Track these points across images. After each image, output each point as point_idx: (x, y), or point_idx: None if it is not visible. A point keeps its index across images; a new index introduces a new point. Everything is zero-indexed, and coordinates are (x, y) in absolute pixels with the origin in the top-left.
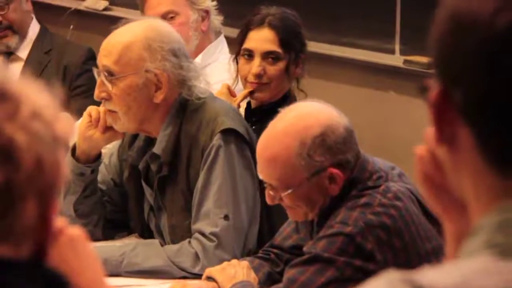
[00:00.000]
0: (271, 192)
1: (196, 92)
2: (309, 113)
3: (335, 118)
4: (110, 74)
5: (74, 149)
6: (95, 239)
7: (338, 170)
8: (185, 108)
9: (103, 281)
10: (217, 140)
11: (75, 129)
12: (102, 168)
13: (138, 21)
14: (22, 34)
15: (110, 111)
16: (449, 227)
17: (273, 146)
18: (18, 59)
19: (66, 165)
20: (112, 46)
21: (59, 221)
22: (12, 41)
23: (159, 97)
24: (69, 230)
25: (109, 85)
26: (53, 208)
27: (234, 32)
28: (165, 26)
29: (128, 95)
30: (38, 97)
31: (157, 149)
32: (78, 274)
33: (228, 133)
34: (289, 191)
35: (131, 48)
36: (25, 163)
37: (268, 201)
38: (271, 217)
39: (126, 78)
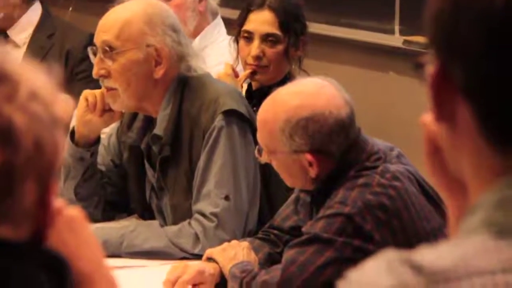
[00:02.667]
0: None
1: (195, 68)
2: (311, 94)
3: (332, 108)
4: (110, 49)
5: (72, 134)
6: (95, 220)
7: (317, 157)
8: (184, 85)
9: (102, 262)
10: (219, 121)
11: (74, 113)
12: (101, 149)
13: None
14: (13, 17)
15: (109, 89)
16: (452, 204)
17: (267, 111)
18: (13, 43)
19: (65, 147)
20: (112, 22)
21: (58, 202)
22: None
23: (159, 72)
24: (67, 211)
25: (109, 61)
26: (52, 189)
27: (230, 13)
28: (162, 4)
29: (128, 70)
30: (36, 78)
31: (158, 129)
32: (77, 255)
33: (230, 114)
34: (272, 156)
35: (132, 23)
36: (24, 144)
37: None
38: (271, 198)
39: (127, 52)
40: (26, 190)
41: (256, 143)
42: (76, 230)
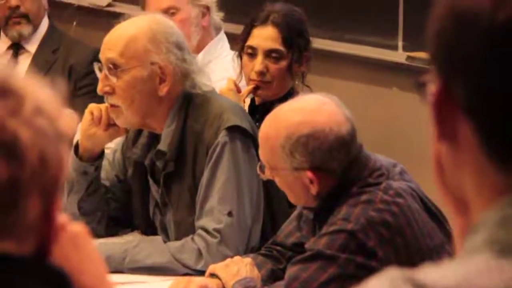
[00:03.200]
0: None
1: (199, 86)
2: (311, 111)
3: (333, 125)
4: (115, 66)
5: (76, 147)
6: (98, 236)
7: (318, 174)
8: (189, 102)
9: (105, 278)
10: (222, 137)
11: (78, 127)
12: (106, 164)
13: (140, 16)
14: (35, 25)
15: (113, 106)
16: (457, 221)
17: (268, 127)
18: (26, 53)
19: (69, 161)
20: (116, 39)
21: (62, 218)
22: (25, 29)
23: (163, 90)
24: (71, 227)
25: (113, 78)
26: (56, 204)
27: (234, 28)
28: (167, 21)
29: (132, 88)
30: (41, 93)
31: (162, 145)
32: (81, 271)
33: (233, 130)
34: (273, 173)
35: (136, 40)
36: (29, 159)
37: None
38: (273, 214)
39: (131, 70)
40: (30, 205)
41: (259, 159)
42: (80, 245)
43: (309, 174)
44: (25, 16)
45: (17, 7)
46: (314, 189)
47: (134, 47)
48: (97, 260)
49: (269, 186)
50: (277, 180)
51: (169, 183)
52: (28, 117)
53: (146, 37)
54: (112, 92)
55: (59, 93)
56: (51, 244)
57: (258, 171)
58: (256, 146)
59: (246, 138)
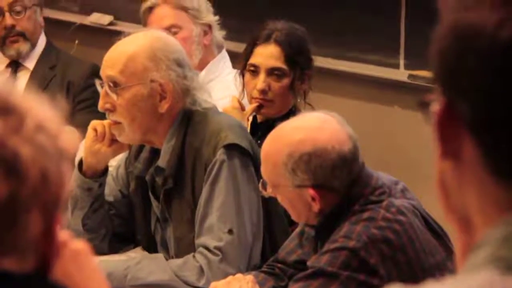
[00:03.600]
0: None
1: (200, 102)
2: (314, 129)
3: (335, 143)
4: (115, 84)
5: (80, 164)
6: (101, 253)
7: (320, 192)
8: (189, 119)
9: None
10: (220, 154)
11: (81, 144)
12: (109, 180)
13: (141, 32)
14: (32, 43)
15: (115, 122)
16: (460, 239)
17: (270, 145)
18: (25, 69)
19: (71, 178)
20: (116, 57)
21: (64, 235)
22: (23, 47)
23: (164, 107)
24: (73, 244)
25: (114, 96)
26: (57, 221)
27: (236, 47)
28: (168, 37)
29: (133, 106)
30: (42, 110)
31: (161, 162)
32: None
33: (231, 148)
34: (275, 190)
35: (136, 58)
36: (30, 176)
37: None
38: (272, 232)
39: (132, 88)
40: (31, 222)
41: (258, 177)
42: (82, 263)
43: (311, 191)
44: (22, 35)
45: (13, 26)
46: (316, 207)
47: (134, 65)
48: (99, 277)
49: (268, 204)
50: (279, 198)
51: (169, 199)
52: (29, 134)
53: (146, 55)
54: (113, 110)
55: (59, 110)
56: (53, 261)
57: (260, 188)
58: (255, 164)
59: (244, 156)
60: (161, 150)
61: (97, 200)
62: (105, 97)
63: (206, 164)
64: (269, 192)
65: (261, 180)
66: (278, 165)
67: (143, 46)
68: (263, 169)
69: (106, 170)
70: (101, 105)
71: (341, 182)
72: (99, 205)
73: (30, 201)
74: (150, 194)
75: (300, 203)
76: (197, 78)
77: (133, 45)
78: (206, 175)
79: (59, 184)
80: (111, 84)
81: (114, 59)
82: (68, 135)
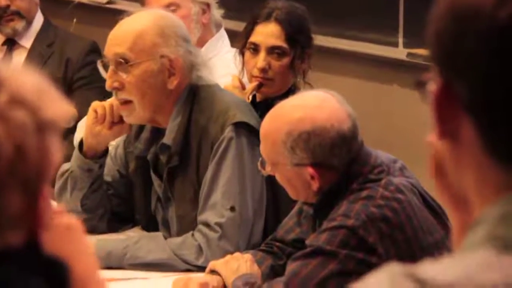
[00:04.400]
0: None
1: (204, 78)
2: (313, 107)
3: (334, 121)
4: (125, 61)
5: (81, 144)
6: (99, 232)
7: (319, 170)
8: (194, 95)
9: (96, 271)
10: (228, 132)
11: (80, 123)
12: (108, 160)
13: (144, 11)
14: (28, 20)
15: (123, 102)
16: (456, 219)
17: (269, 123)
18: (21, 48)
19: (58, 151)
20: (123, 35)
21: (55, 209)
22: (19, 25)
23: (173, 83)
24: (64, 218)
25: (122, 74)
26: (43, 195)
27: (236, 25)
28: (171, 15)
29: (143, 82)
30: (23, 83)
31: (167, 139)
32: (72, 262)
33: (239, 126)
34: (274, 169)
35: (144, 35)
36: (4, 152)
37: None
38: (278, 211)
39: (141, 64)
40: (10, 198)
41: None
42: (72, 237)
43: (310, 170)
44: (17, 13)
45: (7, 6)
46: (315, 185)
47: (143, 42)
48: (89, 253)
49: (274, 182)
50: (277, 176)
51: (172, 177)
52: (2, 109)
53: (154, 32)
54: (121, 88)
55: (48, 83)
56: (40, 235)
57: (259, 167)
58: None
59: (252, 134)
60: (167, 128)
61: (96, 181)
62: (113, 75)
63: (212, 142)
64: (268, 170)
65: (260, 159)
66: (277, 143)
67: (150, 23)
68: (262, 147)
69: (106, 151)
70: (109, 84)
71: (340, 160)
72: (98, 186)
73: (7, 178)
74: (152, 173)
75: (298, 182)
76: (200, 54)
77: (139, 23)
78: (213, 152)
79: (40, 159)
80: (121, 61)
81: (121, 37)
82: (55, 106)
